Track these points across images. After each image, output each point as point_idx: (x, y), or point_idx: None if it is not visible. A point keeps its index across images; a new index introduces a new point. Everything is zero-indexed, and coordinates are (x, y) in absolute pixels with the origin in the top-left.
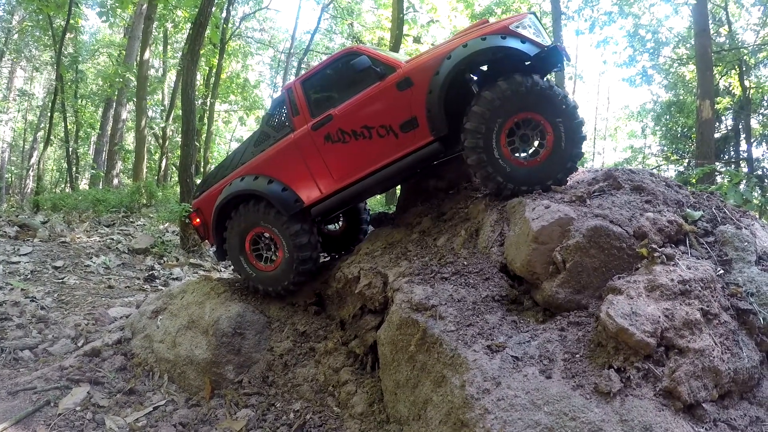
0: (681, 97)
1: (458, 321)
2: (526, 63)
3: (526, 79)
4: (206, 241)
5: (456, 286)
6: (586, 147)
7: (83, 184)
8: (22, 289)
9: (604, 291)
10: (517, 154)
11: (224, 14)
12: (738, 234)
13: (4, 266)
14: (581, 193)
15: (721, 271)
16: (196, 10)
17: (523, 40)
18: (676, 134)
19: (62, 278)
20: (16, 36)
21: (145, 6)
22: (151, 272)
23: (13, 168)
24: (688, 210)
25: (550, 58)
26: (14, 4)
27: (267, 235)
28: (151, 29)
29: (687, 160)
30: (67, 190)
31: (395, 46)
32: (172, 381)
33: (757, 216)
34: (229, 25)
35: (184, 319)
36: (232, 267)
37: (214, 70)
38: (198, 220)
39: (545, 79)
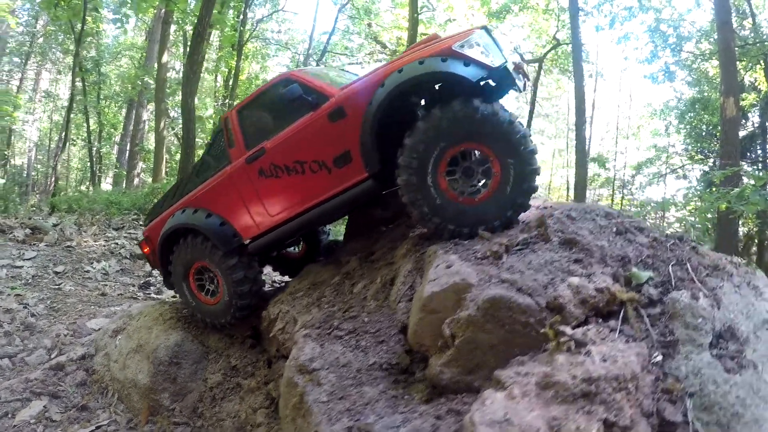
0: (705, 94)
1: (333, 391)
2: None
3: (469, 105)
4: (156, 269)
5: (346, 348)
6: (540, 177)
7: (107, 183)
8: (17, 295)
9: (490, 382)
10: (454, 187)
11: (241, 17)
12: (692, 306)
13: (7, 270)
14: (497, 248)
15: (660, 357)
16: (215, 13)
17: (467, 62)
18: (700, 132)
19: (59, 284)
20: (41, 39)
21: (164, 10)
22: (147, 279)
23: (39, 166)
24: (634, 269)
25: (502, 80)
26: (38, 9)
27: (210, 269)
28: (169, 33)
29: (712, 160)
30: (90, 189)
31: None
32: (121, 401)
33: (735, 271)
34: (247, 28)
35: (134, 342)
36: (175, 290)
37: (233, 72)
38: (147, 248)
39: (503, 109)
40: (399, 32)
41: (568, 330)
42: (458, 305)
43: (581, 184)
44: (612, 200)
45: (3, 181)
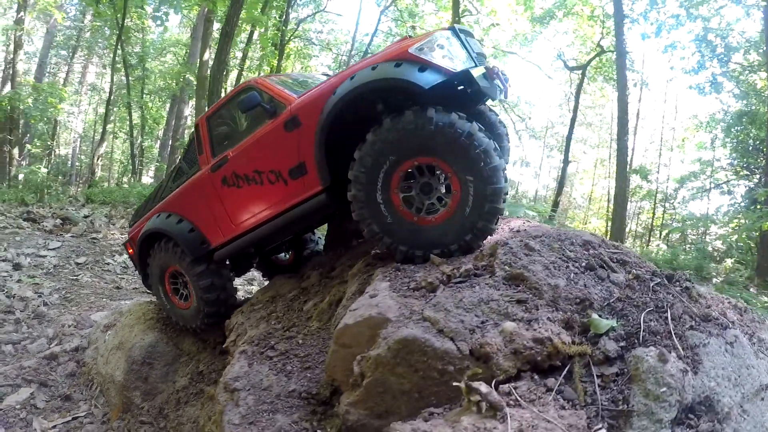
0: (753, 107)
1: (246, 415)
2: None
3: (422, 115)
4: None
5: (271, 371)
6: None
7: (148, 176)
8: (34, 284)
9: None
10: (410, 205)
11: (284, 17)
12: (656, 369)
13: (31, 259)
14: (434, 279)
15: (603, 431)
16: (255, 12)
17: (423, 67)
18: (747, 147)
19: (78, 275)
20: (88, 34)
21: (207, 8)
22: None
23: (82, 157)
24: (594, 315)
25: (470, 86)
26: (85, 5)
27: (183, 273)
28: (211, 31)
29: (758, 176)
30: (132, 181)
31: None
32: (102, 394)
33: (737, 319)
34: (289, 27)
35: (118, 338)
36: (152, 291)
37: (274, 71)
38: (131, 250)
39: (465, 119)
40: None
41: (482, 387)
42: (371, 341)
43: (621, 196)
44: (653, 213)
45: (45, 171)
